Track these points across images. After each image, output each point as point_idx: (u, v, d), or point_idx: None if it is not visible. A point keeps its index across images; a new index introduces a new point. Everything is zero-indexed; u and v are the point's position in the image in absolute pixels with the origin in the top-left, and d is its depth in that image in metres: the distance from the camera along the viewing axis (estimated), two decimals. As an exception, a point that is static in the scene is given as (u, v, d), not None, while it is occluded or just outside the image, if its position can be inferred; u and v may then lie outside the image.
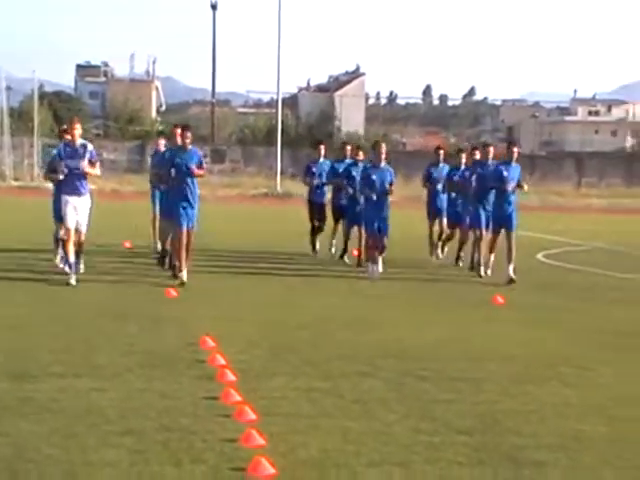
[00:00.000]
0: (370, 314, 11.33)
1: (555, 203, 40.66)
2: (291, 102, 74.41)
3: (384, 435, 6.24)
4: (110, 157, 51.49)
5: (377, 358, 8.62)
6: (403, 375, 7.98)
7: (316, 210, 16.98)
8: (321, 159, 17.19)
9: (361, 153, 16.41)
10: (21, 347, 8.63)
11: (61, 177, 12.63)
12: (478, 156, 15.79)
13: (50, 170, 13.22)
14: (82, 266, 13.22)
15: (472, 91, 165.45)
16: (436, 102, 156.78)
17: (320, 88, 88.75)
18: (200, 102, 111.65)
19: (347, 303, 12.13)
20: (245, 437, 5.92)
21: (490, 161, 15.11)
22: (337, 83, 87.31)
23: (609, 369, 8.64)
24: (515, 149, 14.61)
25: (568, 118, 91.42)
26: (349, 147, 17.05)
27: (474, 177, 15.18)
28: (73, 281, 12.41)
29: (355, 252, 16.17)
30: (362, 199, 14.99)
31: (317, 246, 17.04)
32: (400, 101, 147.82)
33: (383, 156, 14.60)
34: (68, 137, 13.04)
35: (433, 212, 16.70)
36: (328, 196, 17.14)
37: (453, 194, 16.09)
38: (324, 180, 16.78)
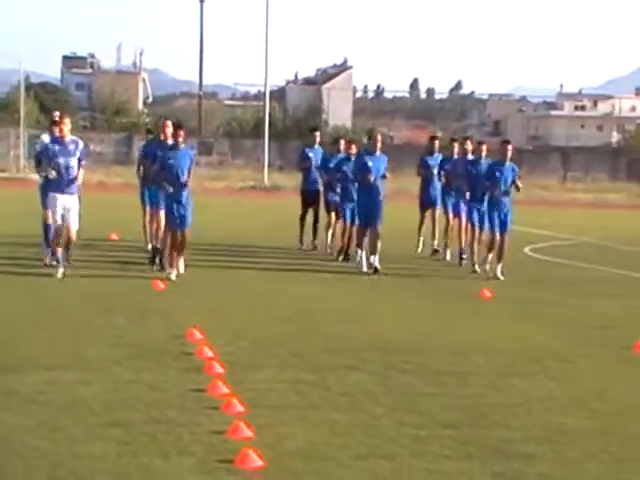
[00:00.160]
0: (356, 307, 11.35)
1: (541, 197, 40.73)
2: (279, 95, 74.32)
3: (371, 428, 6.26)
4: (97, 149, 51.27)
5: (364, 351, 8.64)
6: (389, 368, 8.00)
7: (310, 198, 16.91)
8: (316, 146, 17.15)
9: (354, 147, 16.28)
10: (6, 340, 8.60)
11: (52, 176, 12.35)
12: (470, 147, 15.71)
13: (38, 164, 13.06)
14: (65, 262, 12.74)
15: (459, 85, 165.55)
16: (423, 96, 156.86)
17: (308, 81, 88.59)
18: (187, 94, 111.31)
19: (333, 295, 12.13)
20: (233, 429, 5.93)
21: (484, 160, 14.83)
22: (325, 76, 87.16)
23: (593, 363, 8.69)
24: (509, 147, 14.31)
25: (554, 113, 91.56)
26: (342, 141, 16.93)
27: (465, 174, 15.01)
28: (60, 274, 12.35)
29: (338, 245, 16.14)
30: (356, 187, 14.92)
31: (304, 244, 16.93)
32: (387, 94, 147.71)
33: (379, 145, 14.58)
34: (56, 130, 12.86)
35: (426, 202, 16.65)
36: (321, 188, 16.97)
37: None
38: (319, 168, 16.66)
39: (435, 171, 16.35)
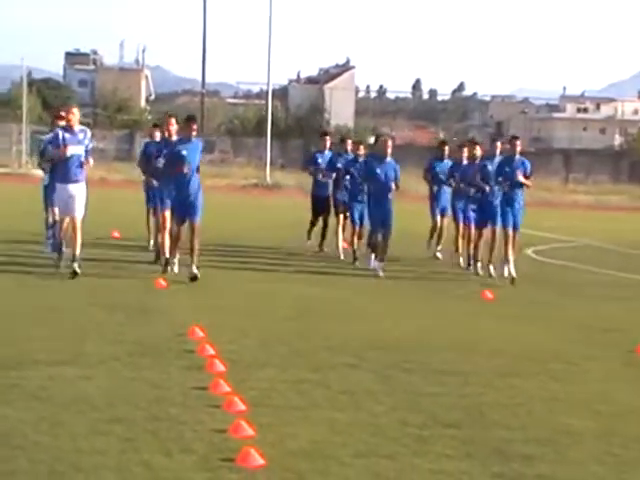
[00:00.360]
0: (358, 306, 11.36)
1: (543, 199, 40.71)
2: (281, 94, 74.41)
3: (372, 427, 6.26)
4: (99, 145, 51.27)
5: (365, 350, 8.64)
6: (390, 367, 8.01)
7: (320, 204, 16.78)
8: (326, 151, 17.02)
9: (362, 147, 16.18)
10: (8, 335, 8.60)
11: (63, 156, 12.11)
12: (479, 152, 15.59)
13: (44, 158, 13.02)
14: (78, 258, 12.26)
15: (461, 86, 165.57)
16: (425, 97, 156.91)
17: (310, 80, 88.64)
18: (189, 92, 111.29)
19: (335, 295, 12.14)
20: (234, 428, 5.93)
21: (497, 157, 14.70)
22: (327, 76, 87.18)
23: (596, 365, 8.70)
24: (518, 142, 14.24)
25: (557, 115, 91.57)
26: (349, 141, 16.83)
27: (478, 174, 14.87)
28: (62, 269, 12.30)
29: (345, 245, 16.13)
30: (365, 192, 14.84)
31: (310, 241, 16.81)
32: (390, 95, 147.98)
33: (389, 150, 14.44)
34: (61, 123, 12.80)
35: (436, 210, 16.42)
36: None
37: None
38: (328, 172, 16.49)
39: (444, 177, 16.19)
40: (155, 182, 13.83)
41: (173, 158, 12.57)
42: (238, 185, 40.60)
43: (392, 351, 8.67)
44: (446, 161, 16.50)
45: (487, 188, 14.42)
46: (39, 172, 14.56)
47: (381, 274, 14.01)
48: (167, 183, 13.01)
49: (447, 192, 16.31)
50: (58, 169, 12.47)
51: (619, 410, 7.10)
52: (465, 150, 15.98)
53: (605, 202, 41.75)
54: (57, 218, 12.79)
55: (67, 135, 12.25)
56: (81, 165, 12.33)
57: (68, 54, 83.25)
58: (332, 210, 16.55)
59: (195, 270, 12.32)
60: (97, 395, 6.66)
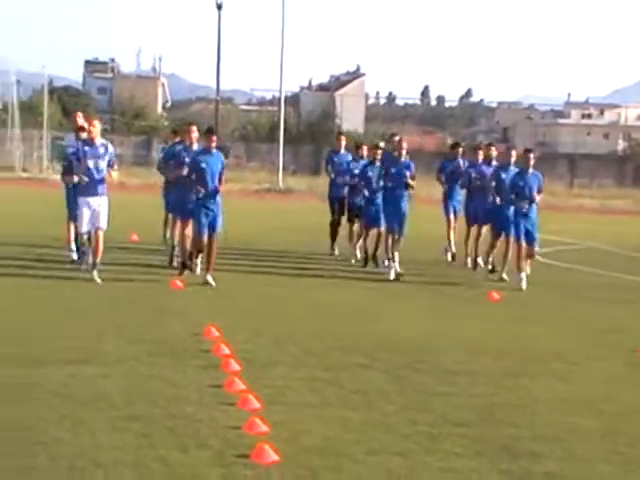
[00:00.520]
0: (369, 308, 11.47)
1: (548, 203, 40.59)
2: (293, 100, 74.49)
3: (384, 425, 6.40)
4: (117, 151, 51.59)
5: (376, 350, 8.78)
6: (401, 367, 8.14)
7: (337, 205, 16.98)
8: (342, 150, 17.18)
9: (379, 152, 16.24)
10: (29, 335, 8.77)
11: (76, 180, 12.24)
12: (494, 153, 15.60)
13: (66, 170, 12.97)
14: (98, 266, 12.41)
15: (469, 93, 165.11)
16: (434, 103, 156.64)
17: (321, 87, 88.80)
18: (203, 99, 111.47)
19: (347, 297, 12.24)
20: (249, 425, 6.07)
21: (512, 166, 14.69)
22: (338, 83, 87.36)
23: (600, 365, 8.81)
24: (531, 155, 14.21)
25: (562, 121, 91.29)
26: (365, 147, 16.85)
27: (495, 180, 14.83)
28: (85, 273, 12.37)
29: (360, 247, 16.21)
30: (380, 195, 14.99)
31: (336, 250, 16.92)
32: (399, 101, 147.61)
33: (404, 151, 14.64)
34: (83, 135, 12.79)
35: (449, 211, 16.44)
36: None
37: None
38: (344, 174, 16.52)
39: (457, 179, 16.24)
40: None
41: (194, 169, 12.55)
42: (251, 190, 40.67)
43: (403, 352, 8.81)
44: (459, 160, 16.52)
45: (498, 200, 14.52)
46: (58, 177, 14.62)
47: (399, 270, 14.19)
48: (188, 192, 12.79)
49: (460, 193, 16.42)
50: (80, 183, 12.32)
51: (623, 409, 7.21)
52: (480, 152, 16.04)
53: (610, 206, 41.59)
54: (81, 231, 12.70)
55: (87, 149, 12.23)
56: (103, 180, 12.27)
57: (87, 62, 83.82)
58: (347, 213, 16.72)
59: (210, 278, 12.47)
60: (116, 393, 6.82)
